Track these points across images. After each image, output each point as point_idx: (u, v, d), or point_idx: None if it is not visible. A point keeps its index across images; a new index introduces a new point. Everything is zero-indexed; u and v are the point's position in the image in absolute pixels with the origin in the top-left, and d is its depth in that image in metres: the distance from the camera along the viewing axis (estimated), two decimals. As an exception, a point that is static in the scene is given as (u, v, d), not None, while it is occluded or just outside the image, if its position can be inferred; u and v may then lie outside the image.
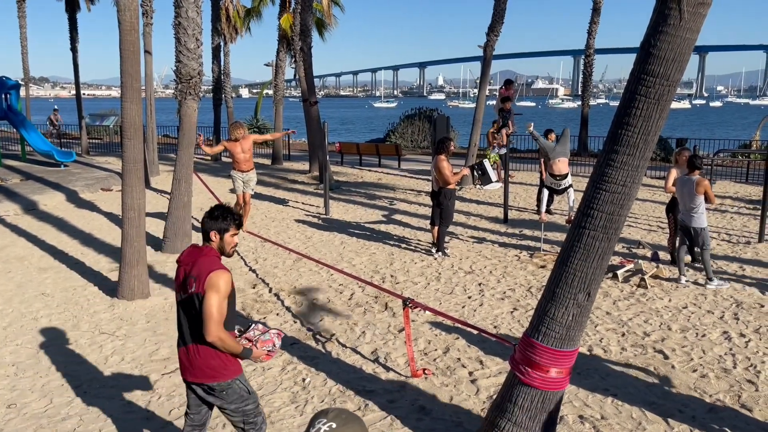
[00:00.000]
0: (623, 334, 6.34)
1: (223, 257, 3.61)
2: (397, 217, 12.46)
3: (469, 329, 6.41)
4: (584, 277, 3.57)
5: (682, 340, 6.19)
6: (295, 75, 20.11)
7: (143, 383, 5.32)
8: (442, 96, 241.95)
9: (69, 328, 6.59)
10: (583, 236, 3.52)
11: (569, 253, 3.60)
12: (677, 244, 8.40)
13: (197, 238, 10.36)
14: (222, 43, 23.75)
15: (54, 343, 6.18)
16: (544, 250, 9.61)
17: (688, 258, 8.58)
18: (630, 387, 5.20)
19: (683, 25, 3.08)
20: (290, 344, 6.12)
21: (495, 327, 6.61)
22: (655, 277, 8.22)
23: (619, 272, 8.19)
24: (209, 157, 22.92)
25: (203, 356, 3.47)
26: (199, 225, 10.51)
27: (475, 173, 11.14)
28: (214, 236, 3.57)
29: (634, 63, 3.31)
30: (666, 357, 5.79)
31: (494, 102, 15.63)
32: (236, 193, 10.62)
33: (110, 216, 12.34)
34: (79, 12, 24.10)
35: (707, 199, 7.87)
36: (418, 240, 10.47)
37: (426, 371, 5.48)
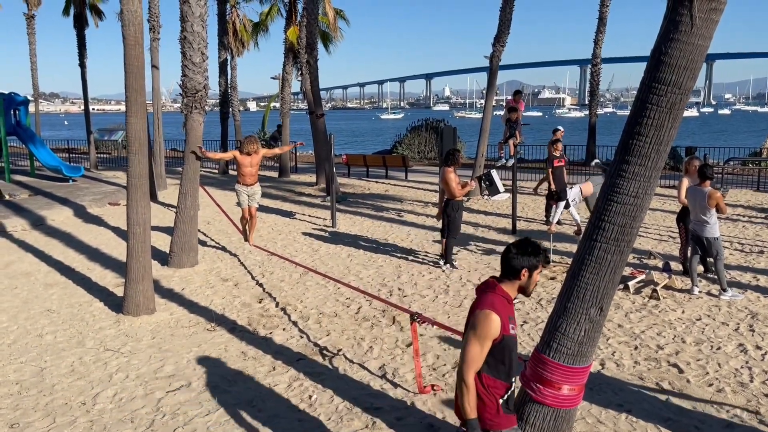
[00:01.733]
0: (636, 348, 6.21)
1: (499, 296, 3.22)
2: (405, 228, 12.37)
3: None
4: (596, 291, 3.47)
5: (696, 353, 6.05)
6: (301, 87, 20.16)
7: (148, 401, 5.23)
8: (446, 107, 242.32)
9: (74, 344, 6.52)
10: (594, 249, 3.42)
11: (580, 266, 3.50)
12: (689, 255, 8.26)
13: (203, 252, 10.37)
14: (229, 57, 23.87)
15: (58, 360, 6.11)
16: (553, 261, 9.49)
17: (700, 268, 8.44)
18: (644, 402, 5.07)
19: (695, 31, 3.00)
20: (296, 360, 6.03)
21: (505, 341, 6.49)
22: (667, 288, 8.08)
23: (631, 283, 8.06)
24: (216, 170, 22.98)
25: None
26: (204, 239, 10.30)
27: (483, 184, 11.07)
28: (524, 274, 3.18)
29: (644, 71, 3.22)
30: (681, 371, 5.65)
31: (502, 112, 15.59)
32: (242, 207, 10.55)
33: (117, 230, 12.32)
34: (88, 28, 24.31)
35: (719, 210, 7.75)
36: (426, 252, 10.38)
37: (435, 387, 5.37)
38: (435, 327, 6.70)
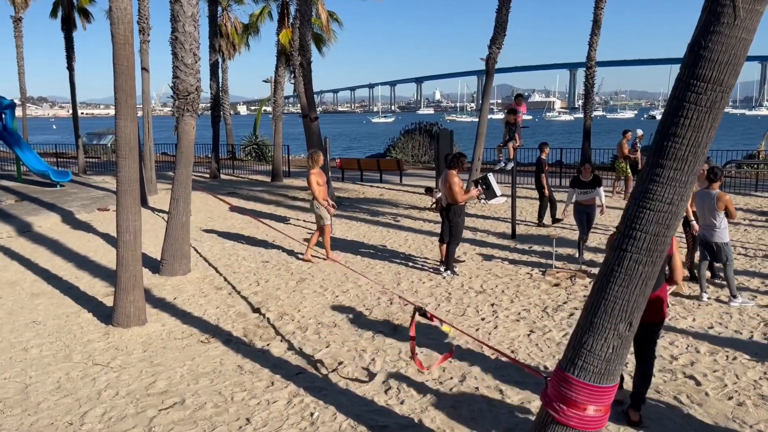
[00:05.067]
0: (649, 358, 5.96)
1: None
2: (402, 234, 12.11)
3: (485, 354, 6.05)
4: (626, 304, 3.22)
5: (712, 364, 5.82)
6: (294, 91, 19.87)
7: (139, 420, 4.93)
8: (431, 111, 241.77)
9: (61, 359, 6.20)
10: (624, 260, 3.17)
11: (609, 278, 3.24)
12: (698, 260, 8.04)
13: (196, 260, 10.03)
14: (220, 60, 23.54)
15: (44, 376, 5.79)
16: (556, 267, 9.25)
17: (707, 274, 8.22)
18: (664, 418, 4.82)
19: (738, 24, 2.76)
20: (296, 374, 5.74)
21: (512, 351, 6.23)
22: (675, 294, 7.86)
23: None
24: (207, 174, 22.63)
25: None
26: (196, 245, 9.90)
27: (480, 187, 10.86)
28: None
29: (681, 67, 2.98)
30: (698, 383, 5.41)
31: (497, 116, 15.44)
32: (327, 223, 9.95)
33: (107, 237, 11.98)
34: (76, 30, 23.94)
35: (728, 215, 7.53)
36: (425, 258, 10.12)
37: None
38: (440, 338, 6.45)
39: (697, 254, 8.84)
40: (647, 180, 3.07)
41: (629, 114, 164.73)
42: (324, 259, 10.04)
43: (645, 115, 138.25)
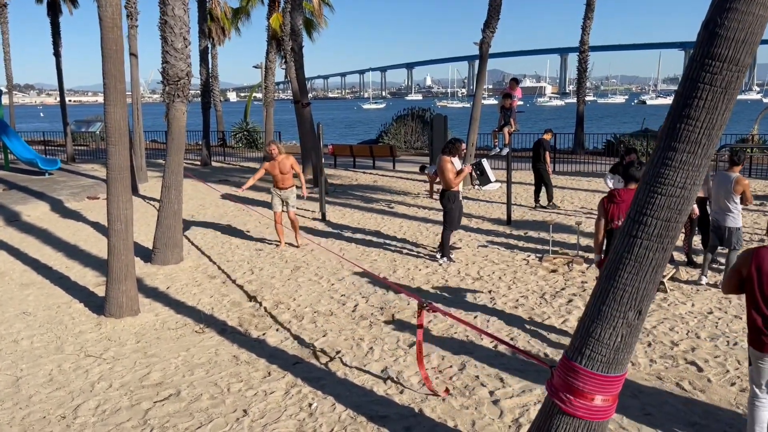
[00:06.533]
0: (649, 344, 5.91)
1: None
2: (397, 220, 12.01)
3: (483, 343, 5.98)
4: (635, 292, 3.13)
5: (713, 350, 5.77)
6: (285, 77, 19.64)
7: (133, 413, 4.82)
8: (419, 97, 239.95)
9: (52, 350, 6.08)
10: (634, 246, 3.07)
11: (618, 265, 3.15)
12: (708, 244, 7.94)
13: (188, 248, 9.90)
14: (210, 46, 23.22)
15: (36, 368, 5.67)
16: (553, 253, 9.18)
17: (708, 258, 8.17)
18: (667, 405, 4.77)
19: (756, 0, 2.65)
20: (293, 364, 5.65)
21: (512, 339, 6.16)
22: (672, 279, 7.81)
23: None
24: (198, 161, 22.41)
25: None
26: (188, 234, 9.74)
27: (474, 173, 10.77)
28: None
29: (695, 46, 2.87)
30: (700, 369, 5.36)
31: (492, 101, 15.36)
32: (273, 210, 10.00)
33: (97, 226, 11.81)
34: (62, 16, 23.52)
35: (743, 200, 7.44)
36: (421, 245, 10.02)
37: (447, 391, 5.03)
38: (438, 326, 6.38)
39: (696, 238, 8.83)
40: (659, 164, 2.97)
41: (620, 99, 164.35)
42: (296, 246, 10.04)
43: (635, 101, 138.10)
